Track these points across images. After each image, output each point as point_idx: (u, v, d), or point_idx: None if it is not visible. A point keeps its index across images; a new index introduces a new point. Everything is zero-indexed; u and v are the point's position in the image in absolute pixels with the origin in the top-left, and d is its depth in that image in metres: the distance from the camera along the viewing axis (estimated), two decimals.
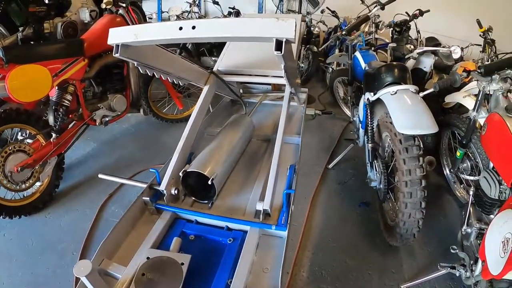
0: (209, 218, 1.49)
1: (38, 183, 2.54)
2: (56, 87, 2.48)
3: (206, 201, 1.64)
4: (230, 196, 1.69)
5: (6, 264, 2.14)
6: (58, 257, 2.16)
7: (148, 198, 1.55)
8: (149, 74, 1.53)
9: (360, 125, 2.51)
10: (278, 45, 1.09)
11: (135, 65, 1.42)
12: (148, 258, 1.29)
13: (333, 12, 5.02)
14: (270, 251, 1.39)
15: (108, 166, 3.10)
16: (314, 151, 3.28)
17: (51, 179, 2.59)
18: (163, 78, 1.68)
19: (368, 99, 2.15)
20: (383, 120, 2.04)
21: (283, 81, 1.99)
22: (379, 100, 2.09)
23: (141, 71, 1.48)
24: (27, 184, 2.44)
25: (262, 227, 1.41)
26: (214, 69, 2.19)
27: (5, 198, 2.38)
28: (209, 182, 1.53)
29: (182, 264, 1.24)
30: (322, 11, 5.20)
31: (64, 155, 2.68)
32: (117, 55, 1.29)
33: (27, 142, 2.50)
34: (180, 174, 1.58)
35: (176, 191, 1.59)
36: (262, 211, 1.44)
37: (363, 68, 2.55)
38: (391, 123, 1.89)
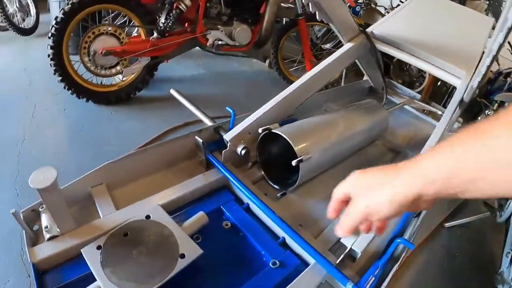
0: (267, 213, 0.92)
1: (120, 77, 2.28)
2: None
3: (278, 187, 1.08)
4: (311, 198, 1.09)
5: (47, 137, 1.96)
6: (93, 156, 1.86)
7: (201, 141, 1.05)
8: None
9: None
10: None
11: None
12: (147, 217, 0.81)
13: None
14: None
15: (202, 97, 2.71)
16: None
17: (135, 79, 2.31)
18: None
19: None
20: None
21: (452, 79, 1.33)
22: None
23: None
24: (106, 72, 2.19)
25: (332, 273, 0.80)
26: (368, 30, 1.57)
27: (82, 76, 2.16)
28: (294, 163, 0.95)
29: (182, 256, 0.74)
30: None
31: (158, 62, 2.35)
32: None
33: (127, 31, 2.23)
34: (260, 130, 1.03)
35: (243, 151, 1.05)
36: (347, 250, 0.84)
37: None
38: None
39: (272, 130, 1.02)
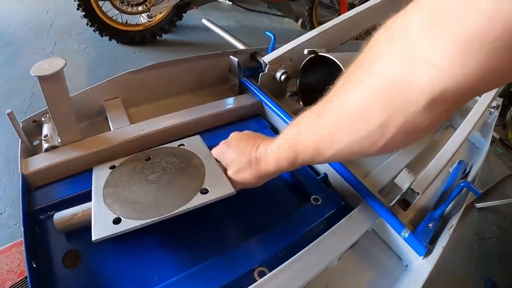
0: None
1: (146, 18, 2.15)
2: None
3: None
4: None
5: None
6: None
7: (237, 59, 0.90)
8: None
9: None
10: None
11: None
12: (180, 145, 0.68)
13: None
14: (369, 273, 0.65)
15: (230, 46, 2.59)
16: None
17: (162, 19, 2.17)
18: None
19: None
20: None
21: None
22: None
23: None
24: (133, 9, 2.05)
25: (385, 217, 0.65)
26: None
27: (106, 13, 2.03)
28: None
29: (204, 192, 0.57)
30: None
31: (188, 4, 2.19)
32: None
33: None
34: (306, 51, 0.87)
35: (283, 77, 0.90)
36: (402, 192, 0.68)
37: None
38: None
39: (320, 54, 0.86)
